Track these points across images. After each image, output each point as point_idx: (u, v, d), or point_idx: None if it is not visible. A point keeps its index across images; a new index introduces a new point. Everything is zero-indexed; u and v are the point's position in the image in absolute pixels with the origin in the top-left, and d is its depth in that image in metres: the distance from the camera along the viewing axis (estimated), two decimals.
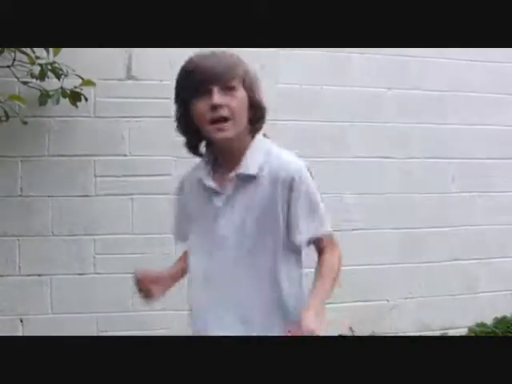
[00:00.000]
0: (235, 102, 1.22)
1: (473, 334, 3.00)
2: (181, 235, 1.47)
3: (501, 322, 3.06)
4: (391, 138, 2.96)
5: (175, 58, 1.45)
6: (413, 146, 3.00)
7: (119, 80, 2.67)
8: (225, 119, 1.21)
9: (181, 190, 1.45)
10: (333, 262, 1.33)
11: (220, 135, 1.22)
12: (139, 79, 2.69)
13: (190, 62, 1.27)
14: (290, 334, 1.23)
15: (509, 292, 3.14)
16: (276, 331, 1.28)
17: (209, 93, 1.20)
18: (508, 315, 3.08)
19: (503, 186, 3.13)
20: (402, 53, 2.91)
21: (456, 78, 3.05)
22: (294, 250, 1.33)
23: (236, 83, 1.23)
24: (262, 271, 1.29)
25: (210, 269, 1.33)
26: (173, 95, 1.34)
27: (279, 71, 2.81)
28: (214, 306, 1.34)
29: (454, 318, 3.05)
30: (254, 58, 2.70)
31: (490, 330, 3.01)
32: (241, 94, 1.23)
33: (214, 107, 1.20)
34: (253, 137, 1.30)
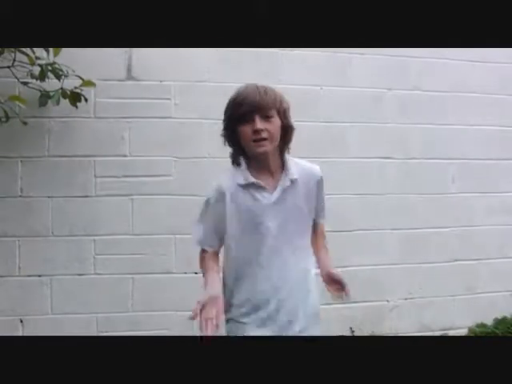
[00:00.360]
0: (272, 127, 1.58)
1: (473, 335, 2.99)
2: (209, 242, 1.69)
3: (501, 322, 3.05)
4: (391, 137, 2.96)
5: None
6: (413, 146, 3.00)
7: (119, 80, 2.67)
8: (264, 139, 1.57)
9: (221, 196, 1.65)
10: (324, 234, 1.83)
11: (260, 150, 1.58)
12: (139, 79, 2.69)
13: (238, 95, 1.58)
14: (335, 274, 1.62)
15: (509, 292, 3.13)
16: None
17: (252, 120, 1.55)
18: (508, 316, 3.08)
19: (503, 187, 3.13)
20: (402, 53, 2.92)
21: (456, 78, 3.05)
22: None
23: (273, 112, 1.58)
24: (299, 248, 1.68)
25: (261, 256, 1.63)
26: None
27: (279, 71, 2.81)
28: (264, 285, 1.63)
29: (454, 318, 3.04)
30: (254, 58, 2.76)
31: (490, 330, 3.01)
32: (276, 120, 1.59)
33: (257, 131, 1.55)
34: (280, 151, 1.66)
